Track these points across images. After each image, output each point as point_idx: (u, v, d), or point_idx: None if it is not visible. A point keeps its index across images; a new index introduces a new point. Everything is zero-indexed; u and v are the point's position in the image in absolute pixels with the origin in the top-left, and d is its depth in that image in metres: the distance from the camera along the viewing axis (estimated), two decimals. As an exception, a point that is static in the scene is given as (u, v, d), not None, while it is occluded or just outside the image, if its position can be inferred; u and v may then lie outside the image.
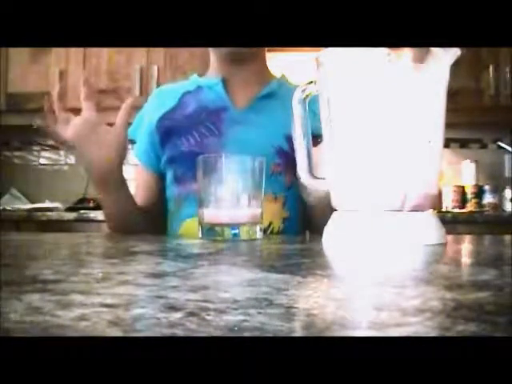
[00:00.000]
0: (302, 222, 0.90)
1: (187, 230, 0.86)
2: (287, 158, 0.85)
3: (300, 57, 2.31)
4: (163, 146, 0.91)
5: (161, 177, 0.94)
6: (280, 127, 0.84)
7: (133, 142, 0.98)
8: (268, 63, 0.98)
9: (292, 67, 2.29)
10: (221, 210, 0.63)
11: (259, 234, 0.64)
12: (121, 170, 0.80)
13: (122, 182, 0.82)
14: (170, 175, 0.91)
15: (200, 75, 0.98)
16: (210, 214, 0.64)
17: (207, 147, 0.86)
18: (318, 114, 0.60)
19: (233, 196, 0.63)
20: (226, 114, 0.88)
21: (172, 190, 0.91)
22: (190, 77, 0.99)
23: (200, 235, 0.65)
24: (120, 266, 0.35)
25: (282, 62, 2.26)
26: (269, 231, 0.84)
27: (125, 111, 0.77)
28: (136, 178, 0.97)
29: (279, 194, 0.85)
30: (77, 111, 0.77)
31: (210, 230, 0.63)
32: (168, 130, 0.90)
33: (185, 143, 0.88)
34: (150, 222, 0.89)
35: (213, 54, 0.93)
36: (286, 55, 2.35)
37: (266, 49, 0.97)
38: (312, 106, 0.61)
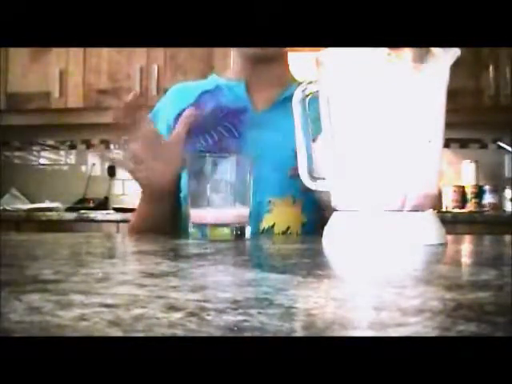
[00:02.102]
0: (320, 227, 0.89)
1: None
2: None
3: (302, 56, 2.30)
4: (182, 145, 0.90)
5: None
6: None
7: None
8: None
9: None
10: (206, 209, 0.62)
11: (248, 234, 0.64)
12: (175, 183, 0.80)
13: (174, 195, 0.82)
14: (186, 175, 0.90)
15: (218, 74, 0.97)
16: (196, 214, 0.63)
17: (225, 148, 0.84)
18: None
19: (218, 196, 0.63)
20: (245, 115, 0.87)
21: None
22: (208, 76, 0.98)
23: (189, 235, 0.64)
24: (120, 266, 0.35)
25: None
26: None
27: (184, 126, 0.77)
28: None
29: (298, 198, 0.83)
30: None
31: (197, 230, 0.63)
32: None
33: (203, 143, 0.87)
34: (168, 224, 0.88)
35: (237, 55, 0.92)
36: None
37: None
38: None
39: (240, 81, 0.90)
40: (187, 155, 0.65)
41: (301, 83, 0.93)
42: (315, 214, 0.85)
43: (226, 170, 0.64)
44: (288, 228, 0.83)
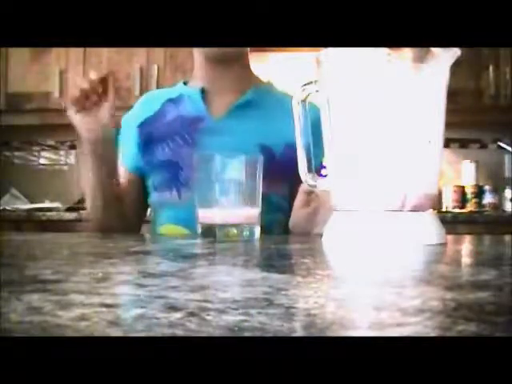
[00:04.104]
0: (280, 230, 0.89)
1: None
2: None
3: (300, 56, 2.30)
4: (144, 152, 0.93)
5: (138, 176, 0.96)
6: (254, 136, 0.86)
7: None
8: (253, 66, 0.98)
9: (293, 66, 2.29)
10: (214, 210, 0.62)
11: (257, 235, 0.63)
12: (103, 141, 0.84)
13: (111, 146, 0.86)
14: (150, 182, 0.93)
15: (186, 82, 0.99)
16: (204, 214, 0.63)
17: (181, 157, 0.88)
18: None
19: (226, 196, 0.62)
20: (202, 123, 0.90)
21: (152, 197, 0.94)
22: (177, 83, 1.01)
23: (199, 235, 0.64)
24: (120, 266, 0.35)
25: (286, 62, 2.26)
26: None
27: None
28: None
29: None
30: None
31: (205, 231, 0.63)
32: (147, 137, 0.93)
33: (161, 152, 0.90)
34: (128, 224, 0.91)
35: (197, 56, 0.93)
36: (287, 55, 2.35)
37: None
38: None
39: (197, 88, 0.92)
40: (195, 156, 0.66)
41: (260, 87, 0.93)
42: (272, 216, 0.86)
43: (235, 169, 0.63)
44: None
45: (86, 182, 0.88)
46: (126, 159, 0.96)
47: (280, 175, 0.85)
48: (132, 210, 0.94)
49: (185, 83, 0.99)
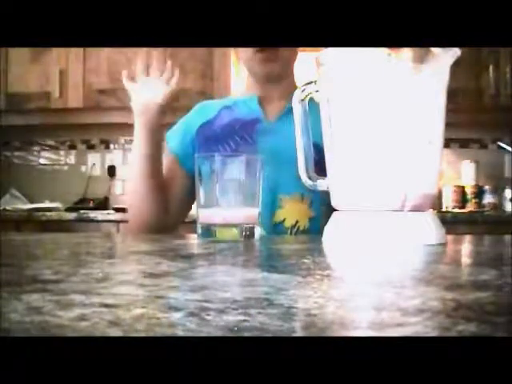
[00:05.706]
0: (326, 222, 0.94)
1: None
2: (314, 163, 0.90)
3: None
4: (200, 152, 0.99)
5: (190, 175, 0.99)
6: None
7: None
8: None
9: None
10: (214, 210, 0.62)
11: (257, 235, 0.63)
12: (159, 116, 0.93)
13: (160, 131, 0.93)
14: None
15: (234, 95, 1.09)
16: (204, 214, 0.63)
17: (242, 154, 0.94)
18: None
19: (226, 196, 0.62)
20: (258, 125, 0.98)
21: None
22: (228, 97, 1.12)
23: (197, 235, 0.64)
24: (120, 266, 0.35)
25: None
26: (295, 230, 0.91)
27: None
28: (167, 172, 1.04)
29: (306, 195, 0.92)
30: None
31: (205, 231, 0.63)
32: (206, 138, 1.00)
33: (221, 150, 0.97)
34: (168, 221, 0.96)
35: (251, 76, 1.04)
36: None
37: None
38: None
39: (253, 95, 1.02)
40: (195, 156, 0.66)
41: None
42: (322, 209, 0.94)
43: (236, 169, 0.63)
44: (297, 222, 0.92)
45: (131, 166, 0.94)
46: (180, 150, 1.01)
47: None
48: (176, 205, 0.99)
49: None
